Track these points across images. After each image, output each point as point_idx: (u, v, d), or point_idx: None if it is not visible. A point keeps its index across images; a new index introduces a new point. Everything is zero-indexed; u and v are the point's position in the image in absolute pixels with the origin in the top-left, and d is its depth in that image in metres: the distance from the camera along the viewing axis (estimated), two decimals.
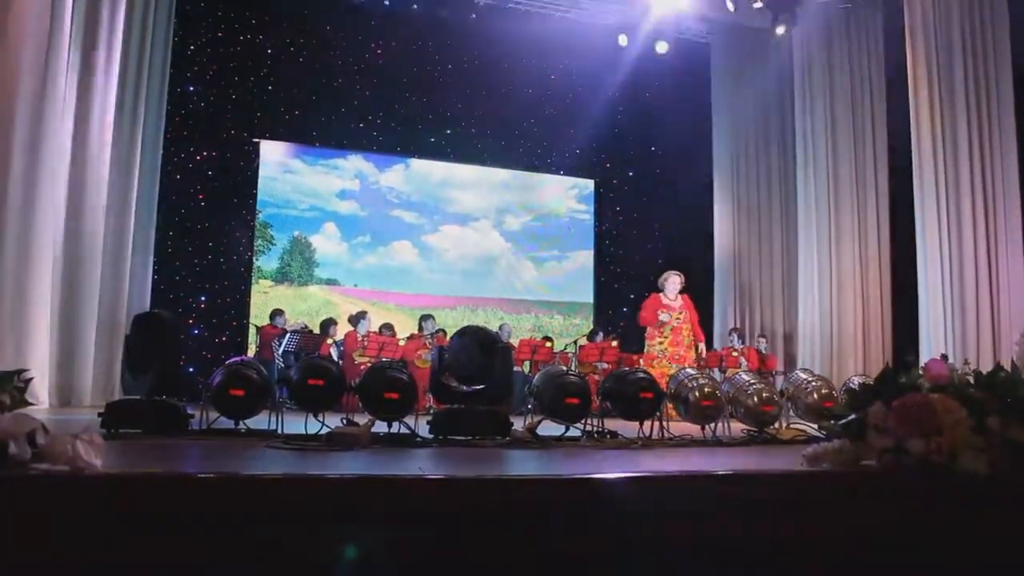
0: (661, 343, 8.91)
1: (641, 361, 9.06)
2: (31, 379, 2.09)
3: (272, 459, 2.72)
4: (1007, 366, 2.68)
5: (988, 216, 8.91)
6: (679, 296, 9.13)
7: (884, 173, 11.16)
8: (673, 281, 9.11)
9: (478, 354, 3.86)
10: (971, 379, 2.56)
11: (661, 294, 9.12)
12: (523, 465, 2.72)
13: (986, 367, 2.71)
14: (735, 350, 11.39)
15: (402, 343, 10.16)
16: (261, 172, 12.91)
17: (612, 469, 2.16)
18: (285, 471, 2.03)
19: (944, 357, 2.80)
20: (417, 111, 13.51)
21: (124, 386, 3.88)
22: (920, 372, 2.59)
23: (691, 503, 2.12)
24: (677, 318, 8.97)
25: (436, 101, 13.57)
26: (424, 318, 10.81)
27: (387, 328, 10.81)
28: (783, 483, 2.28)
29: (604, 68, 13.97)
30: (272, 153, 13.06)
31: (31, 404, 2.04)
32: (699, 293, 13.43)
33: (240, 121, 12.58)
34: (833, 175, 11.08)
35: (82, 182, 8.16)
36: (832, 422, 2.60)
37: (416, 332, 10.68)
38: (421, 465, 2.24)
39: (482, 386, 3.88)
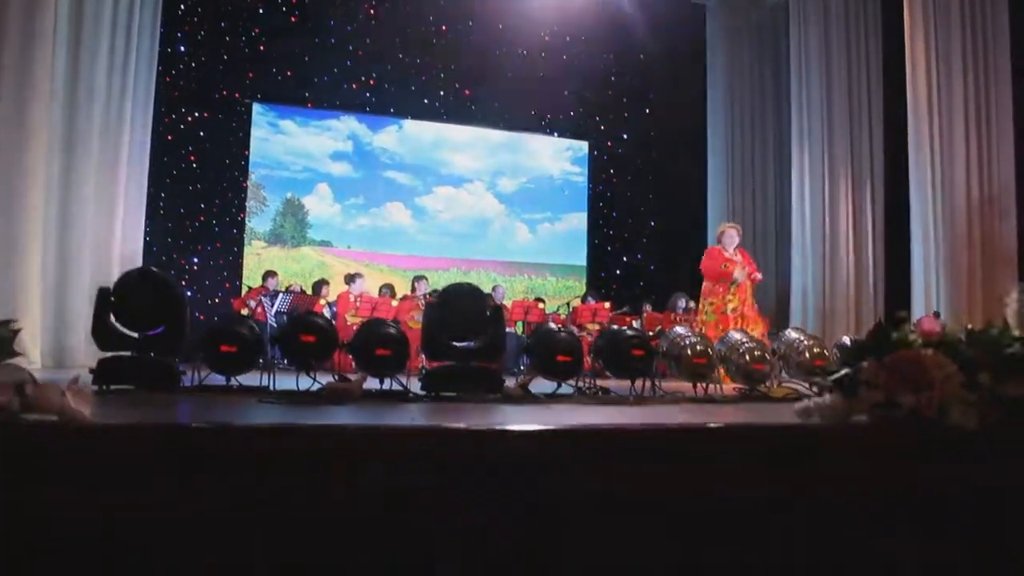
0: (731, 301, 8.11)
1: (701, 319, 8.30)
2: (19, 330, 2.07)
3: (264, 412, 2.72)
4: (998, 323, 2.68)
5: (982, 174, 8.95)
6: (737, 250, 8.40)
7: (879, 133, 11.14)
8: (730, 234, 8.42)
9: (469, 311, 3.86)
10: (962, 335, 2.56)
11: (721, 247, 8.40)
12: (513, 418, 2.72)
13: (977, 324, 2.72)
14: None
15: (395, 304, 10.16)
16: (253, 133, 12.85)
17: (602, 421, 2.16)
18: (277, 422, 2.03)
19: (936, 314, 2.80)
20: (410, 72, 13.43)
21: (103, 340, 3.85)
22: (912, 328, 2.60)
23: (682, 455, 2.13)
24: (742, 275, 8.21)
25: (429, 62, 13.49)
26: (417, 279, 10.82)
27: (388, 288, 10.84)
28: (774, 436, 2.28)
29: (598, 29, 13.89)
30: (264, 114, 12.97)
31: (19, 355, 2.03)
32: (693, 255, 13.48)
33: (232, 82, 12.50)
34: (828, 136, 11.04)
35: (71, 144, 8.11)
36: (824, 378, 2.61)
37: (409, 293, 10.68)
38: (412, 416, 2.25)
39: (474, 343, 3.88)
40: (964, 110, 8.98)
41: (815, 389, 2.92)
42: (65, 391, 1.84)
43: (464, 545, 1.91)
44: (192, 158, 12.20)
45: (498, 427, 2.03)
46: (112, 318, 3.81)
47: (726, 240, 8.36)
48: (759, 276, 8.44)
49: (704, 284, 8.37)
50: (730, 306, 8.08)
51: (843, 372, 2.51)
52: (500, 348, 4.03)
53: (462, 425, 2.02)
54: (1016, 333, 2.63)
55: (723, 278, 8.16)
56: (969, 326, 2.66)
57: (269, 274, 10.94)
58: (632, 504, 2.04)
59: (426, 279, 10.85)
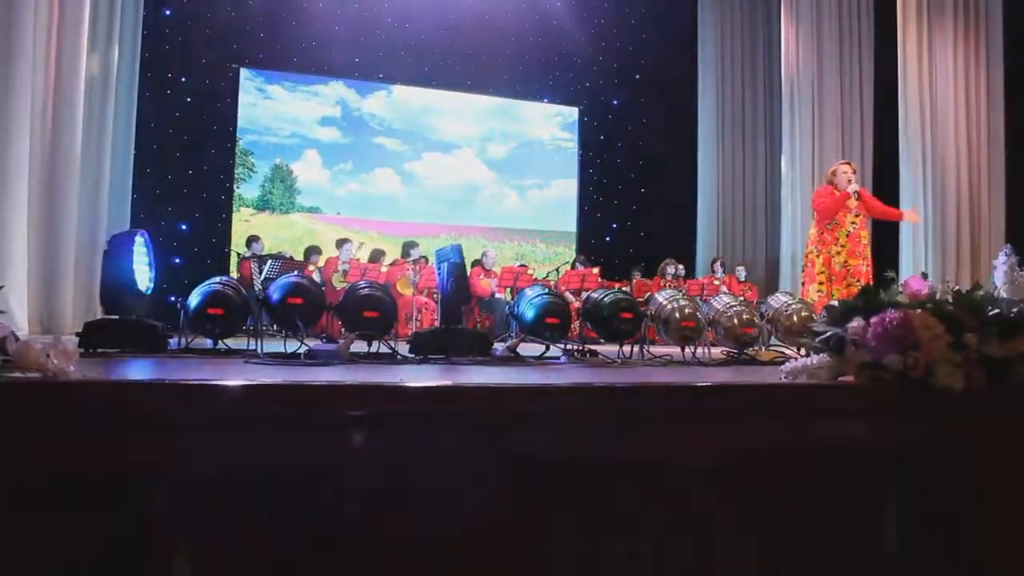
0: (839, 254, 6.97)
1: (805, 283, 7.29)
2: (1, 286, 2.06)
3: (250, 372, 2.71)
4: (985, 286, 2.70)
5: (971, 139, 8.98)
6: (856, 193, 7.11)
7: (870, 100, 11.14)
8: (843, 172, 7.11)
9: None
10: (950, 296, 2.57)
11: (833, 188, 7.14)
12: (501, 377, 2.72)
13: (965, 285, 2.73)
14: (717, 279, 11.44)
15: (384, 270, 10.14)
16: (241, 99, 12.76)
17: (590, 380, 2.17)
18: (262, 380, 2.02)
19: (924, 275, 2.81)
20: (399, 37, 13.31)
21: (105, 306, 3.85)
22: (899, 289, 2.61)
23: (670, 413, 2.13)
24: (853, 223, 7.02)
25: (418, 27, 13.36)
26: (409, 245, 10.79)
27: (381, 254, 10.86)
28: (761, 395, 2.29)
29: None
30: (252, 79, 12.87)
31: (2, 312, 2.02)
32: (682, 222, 13.50)
33: (219, 46, 12.38)
34: (818, 104, 11.04)
35: (57, 107, 8.00)
36: (812, 338, 2.62)
37: (399, 258, 10.68)
38: (401, 376, 2.25)
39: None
40: (955, 74, 9.01)
41: (803, 352, 2.92)
42: (48, 349, 1.83)
43: (448, 503, 1.91)
44: (179, 124, 12.11)
45: (486, 384, 2.03)
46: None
47: (839, 181, 7.11)
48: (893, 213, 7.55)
49: (811, 235, 7.26)
50: (837, 261, 6.97)
51: (830, 332, 2.52)
52: (462, 299, 4.03)
53: (449, 383, 2.02)
54: (1002, 295, 2.64)
55: (837, 213, 7.03)
56: (956, 287, 2.67)
57: (252, 239, 10.93)
58: (616, 462, 2.05)
59: (417, 245, 10.82)
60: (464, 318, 4.34)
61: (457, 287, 4.01)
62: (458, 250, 4.17)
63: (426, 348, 3.75)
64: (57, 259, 7.98)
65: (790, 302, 4.97)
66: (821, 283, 7.02)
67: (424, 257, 10.34)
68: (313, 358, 3.07)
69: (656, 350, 4.75)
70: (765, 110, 13.15)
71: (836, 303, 2.76)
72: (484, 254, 11.26)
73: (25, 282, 7.37)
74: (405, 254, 10.64)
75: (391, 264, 10.55)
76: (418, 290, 9.33)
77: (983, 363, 2.38)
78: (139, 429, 1.76)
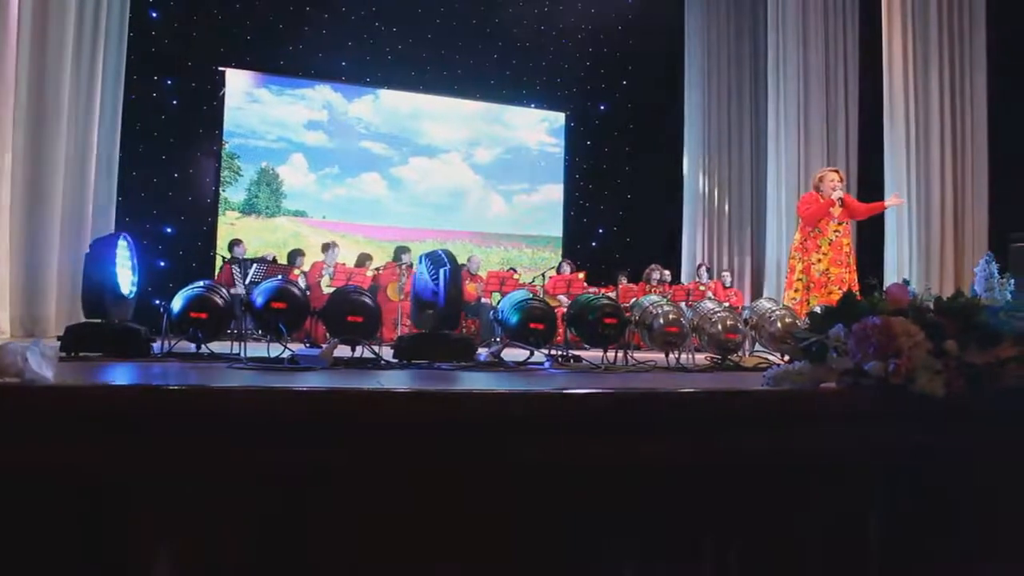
0: (820, 261, 6.91)
1: (788, 290, 7.17)
2: None
3: (233, 377, 2.70)
4: (967, 292, 2.71)
5: (955, 147, 9.02)
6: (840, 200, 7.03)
7: (855, 108, 11.19)
8: (830, 179, 7.07)
9: (432, 276, 3.86)
10: (931, 304, 2.58)
11: (819, 195, 7.10)
12: (484, 382, 2.72)
13: (947, 293, 2.74)
14: (702, 284, 11.47)
15: (369, 275, 10.12)
16: (227, 102, 12.73)
17: (574, 386, 2.17)
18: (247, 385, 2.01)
19: (906, 282, 2.81)
20: (387, 41, 13.32)
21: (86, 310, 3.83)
22: (882, 296, 2.61)
23: (653, 418, 2.13)
24: (836, 231, 7.01)
25: (406, 31, 13.38)
26: (400, 250, 10.78)
27: (367, 258, 10.83)
28: (744, 401, 2.29)
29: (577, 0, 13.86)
30: (238, 82, 12.85)
31: None
32: (668, 228, 13.53)
33: (205, 48, 12.36)
34: (804, 112, 11.08)
35: (41, 108, 7.96)
36: (794, 345, 2.62)
37: (390, 262, 10.66)
38: (381, 380, 2.25)
39: (434, 308, 3.89)
40: (939, 85, 9.05)
41: (786, 358, 2.93)
42: (26, 353, 1.81)
43: (433, 507, 1.91)
44: (165, 126, 12.06)
45: (466, 390, 2.02)
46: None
47: (826, 187, 7.05)
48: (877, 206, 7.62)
49: (795, 241, 7.26)
50: (817, 269, 6.92)
51: (812, 339, 2.52)
52: (456, 309, 4.02)
53: (430, 388, 2.01)
54: (984, 302, 2.65)
55: (822, 214, 7.00)
56: (938, 295, 2.68)
57: (235, 242, 10.90)
58: (598, 468, 2.05)
59: (409, 251, 10.80)
60: None
61: (458, 293, 4.00)
62: (452, 255, 4.16)
63: (410, 353, 3.75)
64: (41, 262, 7.93)
65: (774, 308, 4.96)
66: (796, 290, 7.03)
67: (410, 263, 10.33)
68: (296, 363, 3.06)
69: (640, 356, 4.76)
70: (751, 117, 13.19)
71: (818, 309, 2.75)
72: (469, 259, 11.27)
73: (7, 285, 7.33)
74: (396, 259, 10.63)
75: (379, 269, 10.53)
76: (405, 295, 9.32)
77: (964, 370, 2.38)
78: (118, 435, 1.75)
